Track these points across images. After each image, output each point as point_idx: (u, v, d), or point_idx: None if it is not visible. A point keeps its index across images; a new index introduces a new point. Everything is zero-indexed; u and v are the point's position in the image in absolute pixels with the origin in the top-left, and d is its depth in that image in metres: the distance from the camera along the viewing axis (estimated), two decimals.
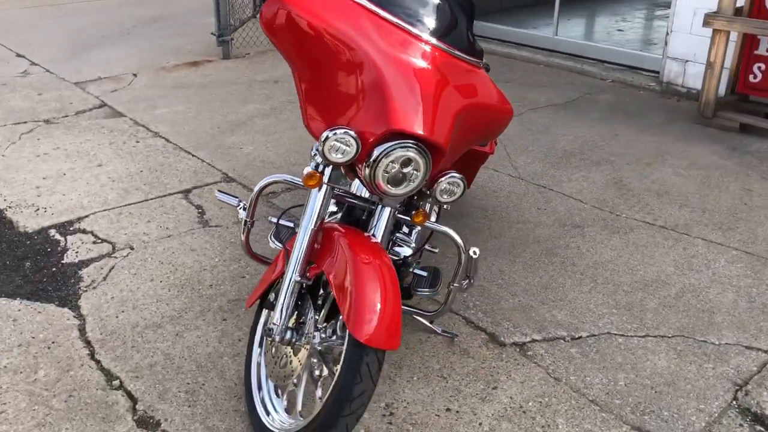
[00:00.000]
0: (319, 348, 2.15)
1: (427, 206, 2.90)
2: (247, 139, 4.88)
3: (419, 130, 1.98)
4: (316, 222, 2.19)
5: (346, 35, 2.04)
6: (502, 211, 3.83)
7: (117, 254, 3.39)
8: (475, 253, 2.48)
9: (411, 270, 2.58)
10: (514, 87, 6.02)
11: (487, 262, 3.31)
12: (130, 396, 2.46)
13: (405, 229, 2.67)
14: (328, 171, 2.18)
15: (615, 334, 2.83)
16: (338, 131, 1.97)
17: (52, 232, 3.60)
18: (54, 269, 3.27)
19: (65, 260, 3.34)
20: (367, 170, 2.01)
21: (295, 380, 2.22)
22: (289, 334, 2.16)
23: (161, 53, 7.13)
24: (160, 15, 8.96)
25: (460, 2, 2.32)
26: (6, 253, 3.41)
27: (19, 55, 7.12)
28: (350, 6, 2.09)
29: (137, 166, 4.40)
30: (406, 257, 2.67)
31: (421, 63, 2.08)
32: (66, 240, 3.52)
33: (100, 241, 3.52)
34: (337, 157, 2.01)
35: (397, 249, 2.69)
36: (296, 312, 2.21)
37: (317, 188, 2.19)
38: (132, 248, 3.44)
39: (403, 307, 2.52)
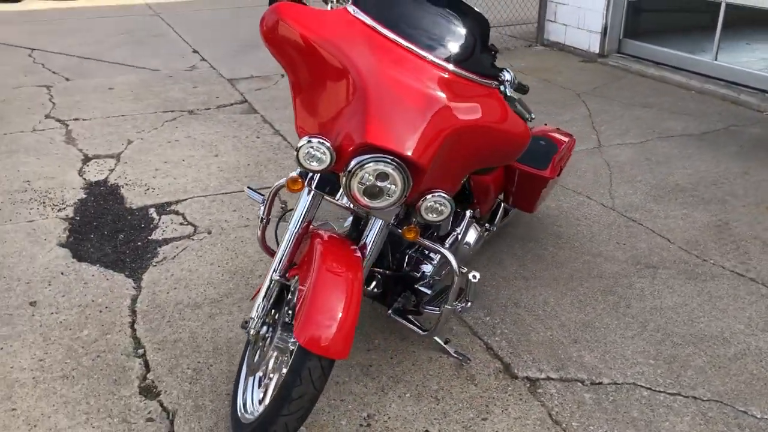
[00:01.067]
0: (280, 345, 2.22)
1: (465, 225, 2.86)
2: None
3: (394, 146, 1.99)
4: (300, 225, 2.27)
5: (336, 49, 2.10)
6: (576, 240, 3.64)
7: (195, 237, 3.69)
8: (474, 277, 2.43)
9: (422, 286, 2.57)
10: (651, 113, 5.66)
11: (536, 291, 3.18)
12: (146, 365, 2.70)
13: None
14: (317, 177, 2.24)
15: (641, 386, 2.61)
16: (314, 140, 2.04)
17: (152, 210, 4.00)
18: (139, 243, 3.64)
19: (151, 237, 3.70)
20: (344, 180, 2.05)
21: (270, 374, 2.31)
22: (264, 328, 2.26)
23: None
24: None
25: (470, 19, 2.28)
26: (108, 224, 3.84)
27: (194, 51, 7.89)
28: (346, 20, 2.15)
29: (246, 160, 4.73)
30: (424, 273, 2.66)
31: (414, 79, 2.08)
32: (159, 219, 3.90)
33: (186, 223, 3.85)
34: (312, 165, 2.08)
35: (420, 265, 2.69)
36: (275, 310, 2.31)
37: (308, 193, 2.26)
38: (209, 233, 3.73)
39: (398, 319, 2.54)
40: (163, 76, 6.80)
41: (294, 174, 2.22)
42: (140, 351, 2.78)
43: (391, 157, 2.01)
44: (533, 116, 2.68)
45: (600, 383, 2.63)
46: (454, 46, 2.18)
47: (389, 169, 2.01)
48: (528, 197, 3.28)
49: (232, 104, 5.94)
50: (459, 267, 2.40)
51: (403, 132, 2.01)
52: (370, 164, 2.01)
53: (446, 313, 2.50)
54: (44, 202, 4.07)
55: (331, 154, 2.05)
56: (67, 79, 6.72)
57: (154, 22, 9.64)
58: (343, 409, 2.48)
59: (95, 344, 2.81)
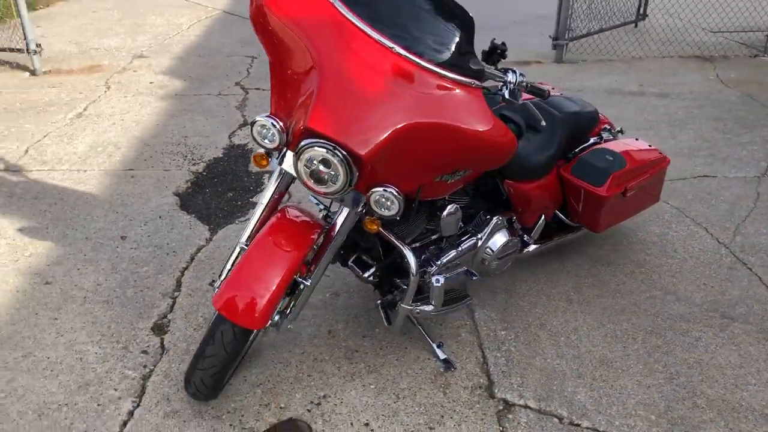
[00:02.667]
0: None
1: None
2: None
3: (332, 133, 2.02)
4: (268, 198, 2.39)
5: (304, 33, 2.16)
6: (656, 273, 3.27)
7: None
8: (437, 281, 2.37)
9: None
10: None
11: (572, 316, 2.96)
12: (172, 307, 3.02)
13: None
14: (290, 155, 2.33)
15: None
16: (267, 120, 2.14)
17: (266, 176, 4.36)
18: (239, 203, 4.01)
19: (251, 200, 4.05)
20: (294, 161, 2.14)
21: None
22: None
23: None
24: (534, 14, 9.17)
25: (451, 15, 2.19)
26: (226, 182, 4.28)
27: None
28: (321, 5, 2.18)
29: None
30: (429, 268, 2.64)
31: (376, 71, 2.06)
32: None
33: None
34: (264, 143, 2.19)
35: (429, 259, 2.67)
36: None
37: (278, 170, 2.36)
38: (300, 202, 3.97)
39: (380, 310, 2.54)
40: None
41: (261, 150, 2.32)
42: (175, 294, 3.10)
43: (334, 145, 2.03)
44: (543, 123, 2.49)
45: (578, 425, 2.40)
46: (429, 42, 2.11)
47: (329, 156, 2.03)
48: (586, 215, 3.01)
49: None
50: (418, 268, 2.36)
51: (348, 121, 2.01)
52: (313, 149, 2.05)
53: (402, 312, 2.45)
54: (186, 156, 4.62)
55: (280, 135, 2.13)
56: (493, 39, 7.39)
57: None
58: (305, 383, 2.57)
59: (146, 280, 3.19)
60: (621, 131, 3.29)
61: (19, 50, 6.85)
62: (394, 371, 2.63)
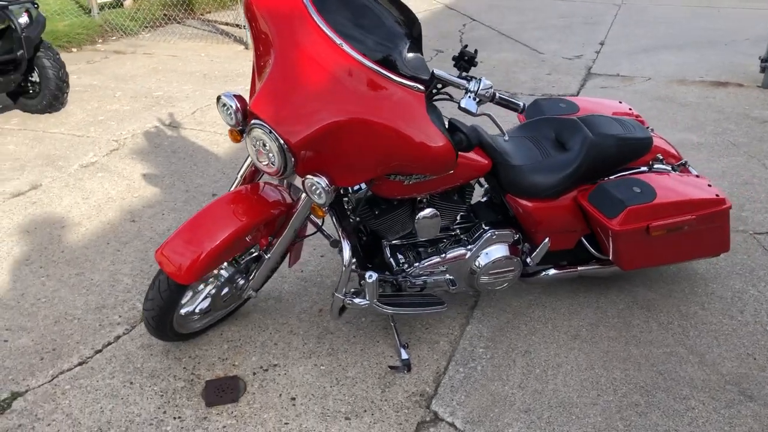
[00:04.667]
0: None
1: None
2: None
3: (266, 117, 2.18)
4: (242, 171, 2.61)
5: (272, 22, 2.31)
6: (699, 330, 2.87)
7: None
8: (370, 277, 2.43)
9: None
10: None
11: (565, 353, 2.75)
12: None
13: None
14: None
15: None
16: (227, 99, 2.36)
17: None
18: None
19: None
20: (246, 139, 2.35)
21: None
22: None
23: (697, 66, 6.76)
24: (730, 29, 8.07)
25: (402, 19, 2.22)
26: None
27: (601, 43, 7.85)
28: (293, 2, 2.32)
29: None
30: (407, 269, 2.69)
31: (324, 66, 2.15)
32: None
33: None
34: (227, 119, 2.42)
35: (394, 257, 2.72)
36: None
37: None
38: None
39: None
40: (538, 59, 7.04)
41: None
42: None
43: (271, 128, 2.19)
44: (506, 138, 2.38)
45: None
46: (377, 43, 2.15)
47: (265, 138, 2.20)
48: (608, 248, 2.77)
49: (560, 95, 5.91)
50: (351, 257, 2.40)
51: (285, 109, 2.16)
52: (255, 129, 2.23)
53: (335, 301, 2.51)
54: None
55: (235, 114, 2.33)
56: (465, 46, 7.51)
57: (607, 11, 9.69)
58: (267, 350, 2.76)
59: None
60: (684, 164, 2.94)
61: (238, 26, 7.77)
62: (350, 359, 2.70)
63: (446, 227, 2.75)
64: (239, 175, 2.60)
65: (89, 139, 4.82)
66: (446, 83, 2.30)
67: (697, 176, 2.84)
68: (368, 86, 2.11)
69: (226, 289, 2.65)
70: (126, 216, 3.72)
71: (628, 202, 2.60)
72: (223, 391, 2.52)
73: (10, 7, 4.76)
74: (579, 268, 2.93)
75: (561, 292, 3.10)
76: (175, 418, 2.41)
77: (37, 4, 5.00)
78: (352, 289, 2.64)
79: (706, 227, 2.77)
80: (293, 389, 2.54)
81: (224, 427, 2.37)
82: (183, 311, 2.65)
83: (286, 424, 2.39)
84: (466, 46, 2.36)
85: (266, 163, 2.23)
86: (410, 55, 2.17)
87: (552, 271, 2.92)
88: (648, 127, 3.10)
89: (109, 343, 2.76)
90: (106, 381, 2.56)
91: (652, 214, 2.63)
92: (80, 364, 2.65)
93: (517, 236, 2.78)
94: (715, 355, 2.71)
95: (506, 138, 2.38)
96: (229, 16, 7.68)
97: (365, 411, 2.44)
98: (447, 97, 2.38)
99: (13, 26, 4.71)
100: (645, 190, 2.65)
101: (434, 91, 2.34)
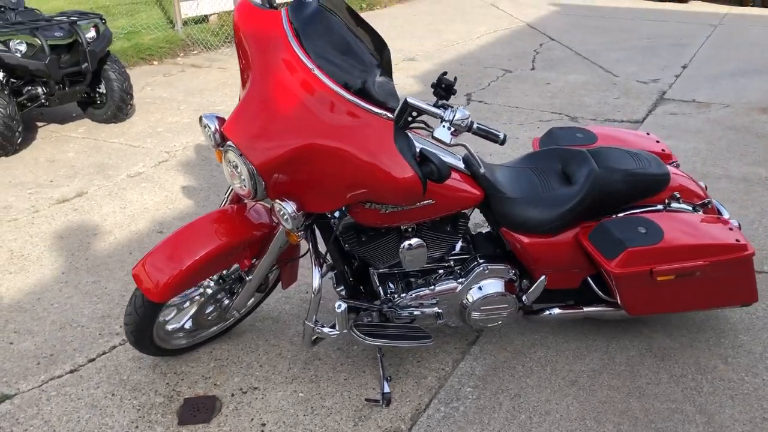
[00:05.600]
0: None
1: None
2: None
3: (236, 140, 2.19)
4: (230, 191, 2.62)
5: (252, 45, 2.32)
6: (715, 387, 2.63)
7: None
8: (339, 306, 2.38)
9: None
10: None
11: (561, 400, 2.58)
12: None
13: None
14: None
15: None
16: (208, 120, 2.37)
17: None
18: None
19: None
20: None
21: None
22: None
23: None
24: None
25: (374, 48, 2.16)
26: None
27: (683, 67, 7.48)
28: (274, 22, 2.30)
29: None
30: (390, 297, 2.64)
31: (295, 91, 2.11)
32: None
33: None
34: (208, 140, 2.43)
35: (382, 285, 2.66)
36: None
37: None
38: None
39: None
40: (609, 82, 6.77)
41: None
42: None
43: (240, 151, 2.19)
44: (483, 170, 2.27)
45: None
46: (348, 70, 2.10)
47: (236, 160, 2.20)
48: (613, 289, 2.60)
49: (622, 121, 5.66)
50: (321, 284, 2.35)
51: (255, 132, 2.14)
52: (228, 151, 2.24)
53: (306, 329, 2.45)
54: None
55: (213, 135, 2.34)
56: (532, 69, 7.36)
57: (700, 32, 9.22)
58: (251, 371, 2.74)
59: None
60: (707, 203, 2.70)
61: None
62: (331, 388, 2.64)
63: (441, 258, 2.65)
64: (227, 195, 2.60)
65: (143, 150, 5.00)
66: (421, 111, 2.22)
67: (719, 218, 2.60)
68: (336, 113, 2.06)
69: (210, 308, 2.65)
70: (155, 227, 3.82)
71: (629, 243, 2.41)
72: (198, 410, 2.52)
73: (78, 22, 5.02)
74: (585, 309, 2.75)
75: (570, 333, 2.92)
76: None
77: (104, 19, 5.26)
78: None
79: (726, 274, 2.54)
80: (266, 415, 2.50)
81: None
82: (169, 327, 2.67)
83: None
84: (444, 73, 2.27)
85: (239, 185, 2.22)
86: (380, 82, 2.10)
87: (556, 311, 2.75)
88: (674, 162, 2.89)
89: (104, 353, 2.82)
90: (90, 391, 2.62)
91: (656, 257, 2.43)
92: (71, 371, 2.72)
93: (512, 272, 2.63)
94: (725, 416, 2.46)
95: (482, 170, 2.27)
96: None
97: None
98: (423, 126, 2.30)
99: (80, 41, 4.96)
100: (651, 231, 2.45)
101: (409, 119, 2.26)
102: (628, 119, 5.65)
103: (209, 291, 2.62)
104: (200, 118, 2.32)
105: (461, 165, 2.46)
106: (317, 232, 2.46)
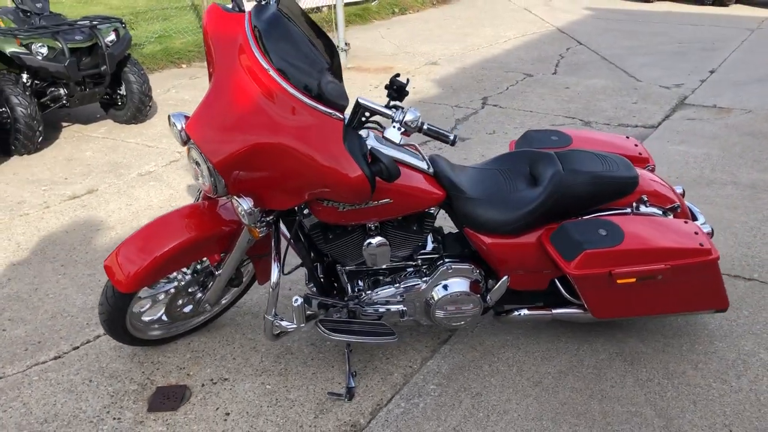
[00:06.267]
0: None
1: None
2: None
3: (195, 137, 2.29)
4: (198, 190, 2.72)
5: (216, 46, 2.41)
6: (679, 392, 2.59)
7: None
8: (296, 300, 2.45)
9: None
10: None
11: (521, 400, 2.60)
12: None
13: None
14: None
15: None
16: (175, 118, 2.47)
17: None
18: None
19: None
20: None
21: None
22: None
23: None
24: None
25: (324, 49, 2.23)
26: None
27: (711, 71, 7.33)
28: (237, 24, 2.39)
29: None
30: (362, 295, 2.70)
31: (252, 90, 2.21)
32: None
33: None
34: (176, 138, 2.54)
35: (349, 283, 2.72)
36: None
37: None
38: None
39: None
40: (630, 87, 6.70)
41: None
42: None
43: (199, 148, 2.29)
44: (431, 170, 2.32)
45: None
46: (302, 72, 2.17)
47: (198, 157, 2.30)
48: (577, 291, 2.61)
49: (636, 126, 5.60)
50: (279, 278, 2.42)
51: (213, 130, 2.24)
52: (191, 149, 2.34)
53: (266, 323, 2.52)
54: None
55: (179, 134, 2.44)
56: (554, 73, 7.32)
57: (736, 36, 9.03)
58: (224, 363, 2.82)
59: None
60: (675, 208, 2.69)
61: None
62: (298, 381, 2.71)
63: (409, 257, 2.70)
64: (200, 190, 2.69)
65: (157, 150, 5.17)
66: (373, 112, 2.27)
67: (686, 222, 2.58)
68: (289, 112, 2.13)
69: (182, 301, 2.75)
70: None
71: (587, 244, 2.42)
72: (167, 399, 2.62)
73: (99, 26, 5.23)
74: (553, 311, 2.75)
75: (542, 335, 2.93)
76: (114, 418, 2.53)
77: (124, 23, 5.46)
78: (308, 312, 2.66)
79: (691, 279, 2.52)
80: (231, 405, 2.59)
81: None
82: (146, 318, 2.78)
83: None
84: (397, 75, 2.32)
85: (201, 181, 2.31)
86: (331, 83, 2.16)
87: (525, 312, 2.77)
88: (649, 166, 2.88)
89: (88, 341, 2.95)
90: (69, 377, 2.74)
91: (615, 259, 2.43)
92: (55, 358, 2.85)
93: (477, 272, 2.66)
94: (685, 421, 2.45)
95: (431, 171, 2.32)
96: (333, 37, 7.91)
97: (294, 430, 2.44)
98: (377, 126, 2.35)
99: (99, 44, 5.16)
100: (612, 233, 2.46)
101: (363, 119, 2.32)
102: (643, 124, 5.58)
103: (181, 284, 2.71)
104: (168, 117, 2.41)
105: (423, 165, 2.50)
106: (284, 227, 2.53)
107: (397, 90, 2.28)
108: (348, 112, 2.28)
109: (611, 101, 6.20)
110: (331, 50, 2.25)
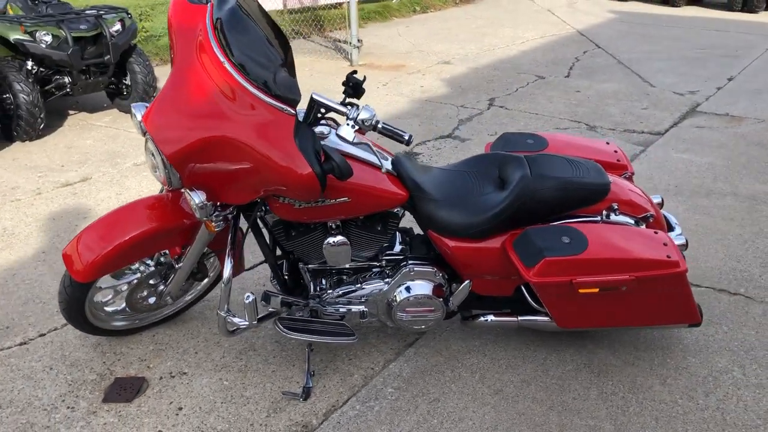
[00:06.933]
0: None
1: None
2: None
3: (150, 129, 2.28)
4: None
5: (177, 37, 2.38)
6: (643, 407, 2.51)
7: None
8: (247, 297, 2.43)
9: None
10: None
11: (477, 408, 2.54)
12: None
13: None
14: None
15: None
16: (135, 109, 2.46)
17: None
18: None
19: None
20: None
21: None
22: None
23: None
24: None
25: (278, 44, 2.20)
26: None
27: (729, 79, 7.17)
28: (200, 15, 2.37)
29: None
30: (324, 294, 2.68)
31: (208, 83, 2.18)
32: None
33: None
34: (138, 129, 2.53)
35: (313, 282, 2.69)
36: None
37: None
38: None
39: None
40: (642, 92, 6.57)
41: None
42: None
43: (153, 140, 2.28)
44: (384, 170, 2.27)
45: None
46: (257, 66, 2.14)
47: (152, 147, 2.28)
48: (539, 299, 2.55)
49: (642, 132, 5.48)
50: (231, 274, 2.39)
51: (168, 122, 2.22)
52: (148, 140, 2.33)
53: (219, 319, 2.49)
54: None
55: (140, 125, 2.43)
56: (566, 76, 7.21)
57: (761, 43, 8.82)
58: (185, 357, 2.81)
59: None
60: (647, 217, 2.60)
61: (346, 42, 7.99)
62: (256, 379, 2.68)
63: (375, 257, 2.66)
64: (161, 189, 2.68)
65: None
66: (328, 108, 2.24)
67: (656, 233, 2.50)
68: (241, 105, 2.10)
69: (144, 292, 2.74)
70: None
71: (548, 252, 2.35)
72: (124, 390, 2.61)
73: (104, 16, 5.26)
74: (519, 318, 2.69)
75: (512, 343, 2.87)
76: (68, 407, 2.53)
77: (130, 14, 5.48)
78: (271, 309, 2.64)
79: (658, 292, 2.44)
80: (186, 400, 2.57)
81: (105, 424, 2.46)
82: (109, 309, 2.78)
83: (159, 431, 2.42)
84: (354, 72, 2.28)
85: (158, 173, 2.29)
86: (284, 78, 2.13)
87: (491, 318, 2.72)
88: (626, 173, 2.79)
89: (55, 329, 2.96)
90: (31, 363, 2.75)
91: (577, 268, 2.36)
92: (21, 344, 2.87)
93: (440, 275, 2.61)
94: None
95: (384, 170, 2.27)
96: (347, 34, 7.88)
97: (244, 426, 2.42)
98: (332, 123, 2.31)
99: (104, 33, 5.19)
100: (575, 241, 2.39)
101: (318, 115, 2.29)
102: (649, 131, 5.46)
103: (144, 275, 2.70)
104: (131, 107, 2.40)
105: (387, 165, 2.46)
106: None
107: (353, 87, 2.24)
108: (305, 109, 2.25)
109: (620, 106, 6.08)
110: (286, 46, 2.21)
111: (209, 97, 2.10)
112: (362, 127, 2.19)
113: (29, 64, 5.08)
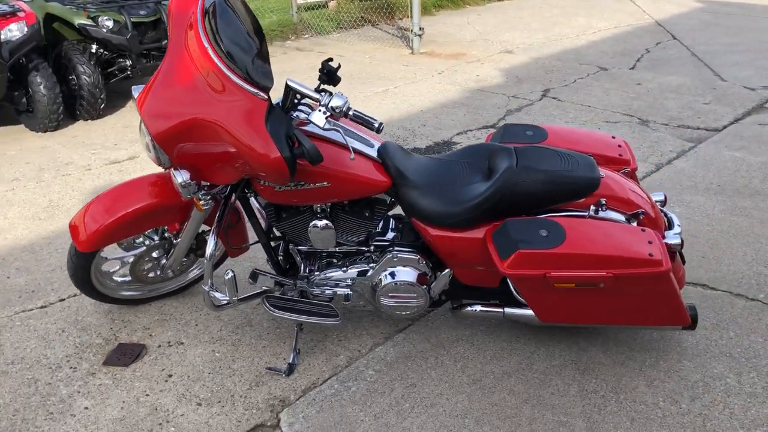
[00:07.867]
0: None
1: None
2: None
3: (140, 111, 2.43)
4: None
5: (173, 23, 2.51)
6: (620, 407, 2.44)
7: None
8: (227, 273, 2.54)
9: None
10: None
11: (451, 395, 2.56)
12: None
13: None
14: None
15: None
16: (134, 91, 2.60)
17: None
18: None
19: None
20: None
21: None
22: None
23: None
24: None
25: (253, 30, 2.29)
26: None
27: None
28: (190, 4, 2.47)
29: None
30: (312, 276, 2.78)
31: (194, 67, 2.30)
32: None
33: None
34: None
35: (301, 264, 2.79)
36: None
37: None
38: None
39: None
40: (708, 86, 6.28)
41: None
42: None
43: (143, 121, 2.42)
44: (352, 157, 2.32)
45: None
46: (238, 51, 2.24)
47: (144, 128, 2.43)
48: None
49: (698, 128, 5.27)
50: (214, 250, 2.51)
51: (156, 104, 2.35)
52: (141, 121, 2.48)
53: (204, 294, 2.60)
54: (397, 138, 5.08)
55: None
56: (631, 68, 6.98)
57: None
58: (185, 328, 2.95)
59: None
60: (637, 214, 2.53)
61: (407, 29, 8.00)
62: (246, 353, 2.80)
63: (365, 242, 2.71)
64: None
65: None
66: (303, 95, 2.30)
67: (643, 230, 2.43)
68: (219, 90, 2.20)
69: (148, 265, 2.89)
70: None
71: (522, 244, 2.34)
72: (123, 355, 2.78)
73: (163, 2, 5.51)
74: (506, 310, 2.68)
75: (502, 334, 2.86)
76: (71, 367, 2.72)
77: None
78: (264, 287, 2.75)
79: (640, 291, 2.38)
80: (177, 368, 2.71)
81: (100, 385, 2.63)
82: (119, 279, 2.96)
83: (146, 395, 2.57)
84: (330, 59, 2.33)
85: (150, 153, 2.43)
86: (259, 65, 2.21)
87: (478, 308, 2.72)
88: (626, 169, 2.72)
89: (75, 295, 3.17)
90: (47, 325, 2.97)
91: (551, 262, 2.33)
92: (42, 307, 3.09)
93: (424, 263, 2.63)
94: None
95: (352, 157, 2.31)
96: (409, 24, 7.91)
97: (218, 402, 2.54)
98: (308, 109, 2.37)
99: (162, 18, 5.44)
100: (553, 235, 2.36)
101: (295, 101, 2.35)
102: (705, 127, 5.23)
103: (148, 247, 2.86)
104: (131, 89, 2.54)
105: (371, 152, 2.50)
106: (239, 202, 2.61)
107: (327, 74, 2.29)
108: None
109: (681, 100, 5.83)
110: (260, 32, 2.29)
111: (191, 81, 2.21)
112: (334, 114, 2.24)
113: (93, 47, 5.38)
